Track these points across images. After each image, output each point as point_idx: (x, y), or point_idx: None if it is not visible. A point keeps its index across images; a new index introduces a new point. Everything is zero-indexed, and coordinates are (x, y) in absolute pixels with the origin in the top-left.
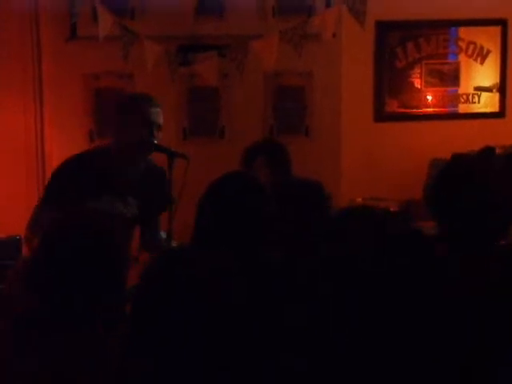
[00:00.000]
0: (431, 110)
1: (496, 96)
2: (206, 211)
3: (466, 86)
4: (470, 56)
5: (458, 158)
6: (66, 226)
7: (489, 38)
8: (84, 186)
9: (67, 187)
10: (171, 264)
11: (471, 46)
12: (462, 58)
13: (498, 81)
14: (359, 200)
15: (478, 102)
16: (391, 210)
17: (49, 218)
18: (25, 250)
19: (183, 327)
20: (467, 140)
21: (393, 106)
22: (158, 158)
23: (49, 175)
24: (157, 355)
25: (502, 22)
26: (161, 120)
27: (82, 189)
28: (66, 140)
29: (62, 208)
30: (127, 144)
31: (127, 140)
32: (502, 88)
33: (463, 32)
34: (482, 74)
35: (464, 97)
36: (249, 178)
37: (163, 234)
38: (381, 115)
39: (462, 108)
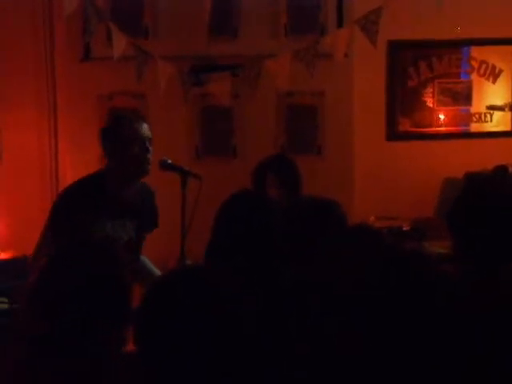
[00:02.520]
0: (443, 129)
1: (508, 115)
2: (215, 232)
3: (479, 105)
4: (483, 75)
5: (475, 179)
6: (71, 255)
7: (501, 58)
8: (87, 213)
9: (71, 216)
10: (183, 278)
11: (483, 66)
12: (474, 77)
13: (511, 100)
14: (372, 219)
15: (491, 120)
16: (404, 228)
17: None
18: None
19: (190, 339)
20: (479, 159)
21: (405, 125)
22: (171, 177)
23: None
24: (163, 366)
25: None
26: (150, 134)
27: (86, 216)
28: (79, 159)
29: (67, 237)
30: (123, 164)
31: (122, 160)
32: None
33: (475, 51)
34: (494, 93)
35: (476, 116)
36: (255, 195)
37: (145, 259)
38: (393, 134)
39: (474, 127)
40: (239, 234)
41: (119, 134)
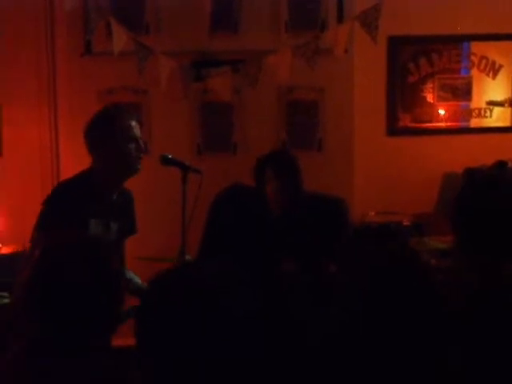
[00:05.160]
0: (443, 124)
1: (508, 110)
2: (206, 225)
3: (478, 101)
4: (482, 71)
5: (474, 174)
6: (63, 252)
7: (501, 53)
8: (75, 216)
9: (62, 219)
10: (180, 278)
11: (483, 61)
12: (474, 72)
13: (510, 95)
14: (372, 214)
15: (490, 116)
16: (404, 223)
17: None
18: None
19: (188, 339)
20: (479, 154)
21: (405, 121)
22: (172, 172)
23: None
24: (161, 366)
25: None
26: (140, 133)
27: (74, 218)
28: (80, 154)
29: (56, 235)
30: (116, 162)
31: (115, 158)
32: None
33: (475, 47)
34: (494, 89)
35: (476, 111)
36: (246, 188)
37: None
38: (393, 130)
39: (474, 122)
40: (228, 223)
41: (114, 131)
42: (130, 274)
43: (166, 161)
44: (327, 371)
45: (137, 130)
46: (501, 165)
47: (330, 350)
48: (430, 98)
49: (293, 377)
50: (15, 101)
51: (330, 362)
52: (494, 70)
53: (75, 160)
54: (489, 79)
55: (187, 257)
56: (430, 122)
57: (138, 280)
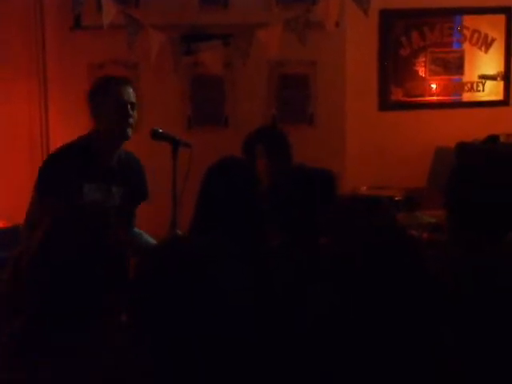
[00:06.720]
0: (435, 98)
1: (500, 84)
2: (199, 200)
3: (471, 75)
4: (475, 44)
5: (466, 149)
6: (66, 224)
7: (493, 26)
8: (68, 179)
9: (54, 179)
10: (170, 251)
11: (475, 35)
12: (466, 46)
13: (503, 69)
14: (364, 188)
15: (483, 90)
16: (395, 198)
17: (43, 216)
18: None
19: (179, 312)
20: (471, 128)
21: (397, 95)
22: (162, 147)
23: None
24: (155, 342)
25: (506, 10)
26: (133, 99)
27: (68, 181)
28: (70, 129)
29: (56, 205)
30: (105, 129)
31: (104, 124)
32: (506, 76)
33: (468, 20)
34: (486, 63)
35: (468, 85)
36: (237, 162)
37: (138, 231)
38: (385, 104)
39: (467, 96)
40: (219, 196)
41: (103, 97)
42: (145, 237)
43: (156, 135)
44: (315, 354)
45: (127, 96)
46: (492, 139)
47: (319, 333)
48: (422, 71)
49: (279, 359)
50: (4, 75)
51: (318, 344)
52: (486, 43)
53: (65, 134)
54: (481, 53)
55: (178, 232)
56: (422, 96)
57: (151, 240)
